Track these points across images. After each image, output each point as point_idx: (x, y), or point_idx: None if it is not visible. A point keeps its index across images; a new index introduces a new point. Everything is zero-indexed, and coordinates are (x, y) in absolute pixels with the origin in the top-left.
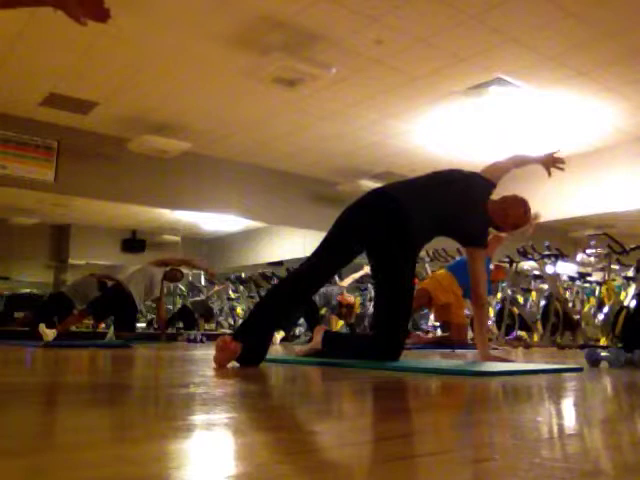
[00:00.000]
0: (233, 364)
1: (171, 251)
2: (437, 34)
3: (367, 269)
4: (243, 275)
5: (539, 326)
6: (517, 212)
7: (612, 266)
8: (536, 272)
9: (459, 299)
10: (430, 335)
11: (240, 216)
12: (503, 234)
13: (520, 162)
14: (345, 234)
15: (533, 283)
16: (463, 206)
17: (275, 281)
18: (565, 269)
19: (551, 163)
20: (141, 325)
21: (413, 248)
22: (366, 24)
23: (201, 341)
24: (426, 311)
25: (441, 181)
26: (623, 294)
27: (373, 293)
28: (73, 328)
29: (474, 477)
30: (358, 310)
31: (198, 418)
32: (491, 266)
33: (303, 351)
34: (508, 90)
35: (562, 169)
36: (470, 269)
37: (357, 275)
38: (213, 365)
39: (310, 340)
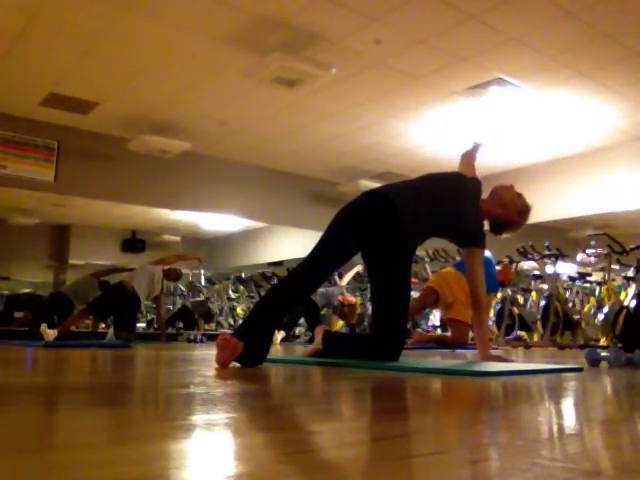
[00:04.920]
0: (234, 364)
1: (171, 251)
2: (437, 34)
3: (359, 267)
4: (243, 275)
5: (539, 326)
6: (511, 194)
7: (612, 266)
8: (536, 272)
9: (467, 295)
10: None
11: (240, 216)
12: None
13: (469, 157)
14: (340, 235)
15: (533, 283)
16: (458, 204)
17: (275, 281)
18: (565, 269)
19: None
20: (141, 325)
21: (409, 248)
22: (366, 24)
23: (201, 341)
24: (427, 311)
25: (434, 181)
26: (623, 294)
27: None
28: (73, 328)
29: (474, 477)
30: (359, 310)
31: (198, 418)
32: (498, 267)
33: (307, 352)
34: (508, 90)
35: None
36: (468, 270)
37: (352, 273)
38: (215, 365)
39: (311, 340)
